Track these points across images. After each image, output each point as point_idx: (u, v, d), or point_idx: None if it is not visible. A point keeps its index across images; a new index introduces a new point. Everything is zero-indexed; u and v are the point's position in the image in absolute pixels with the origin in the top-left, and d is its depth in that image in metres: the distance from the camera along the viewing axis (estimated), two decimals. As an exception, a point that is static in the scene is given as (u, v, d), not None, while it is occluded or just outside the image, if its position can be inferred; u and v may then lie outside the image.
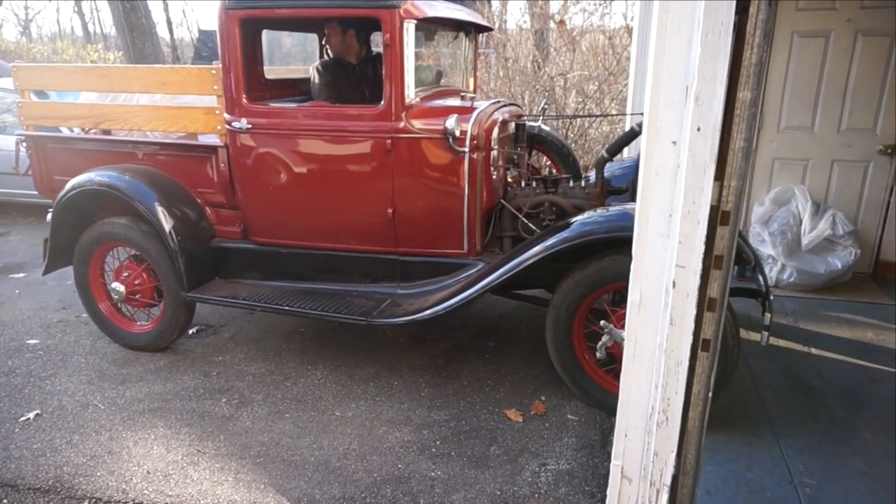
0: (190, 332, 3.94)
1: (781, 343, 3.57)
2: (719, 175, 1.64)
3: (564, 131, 6.90)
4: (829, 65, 4.23)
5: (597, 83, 7.30)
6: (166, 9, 19.93)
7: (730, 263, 1.71)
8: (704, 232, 1.65)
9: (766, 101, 4.39)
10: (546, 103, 5.76)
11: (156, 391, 3.26)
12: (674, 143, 1.66)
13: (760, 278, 2.88)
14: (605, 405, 2.96)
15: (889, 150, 4.25)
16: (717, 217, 1.67)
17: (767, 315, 2.76)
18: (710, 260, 1.70)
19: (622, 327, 2.80)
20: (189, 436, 2.88)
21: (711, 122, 1.59)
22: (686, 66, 1.60)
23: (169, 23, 19.21)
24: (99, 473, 2.63)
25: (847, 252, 4.18)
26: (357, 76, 3.67)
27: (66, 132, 3.96)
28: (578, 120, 6.91)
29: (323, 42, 3.93)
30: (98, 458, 2.73)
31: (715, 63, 1.55)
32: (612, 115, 6.67)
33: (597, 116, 6.78)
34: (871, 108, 4.24)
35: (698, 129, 1.60)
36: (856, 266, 4.24)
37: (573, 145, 6.75)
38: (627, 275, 2.73)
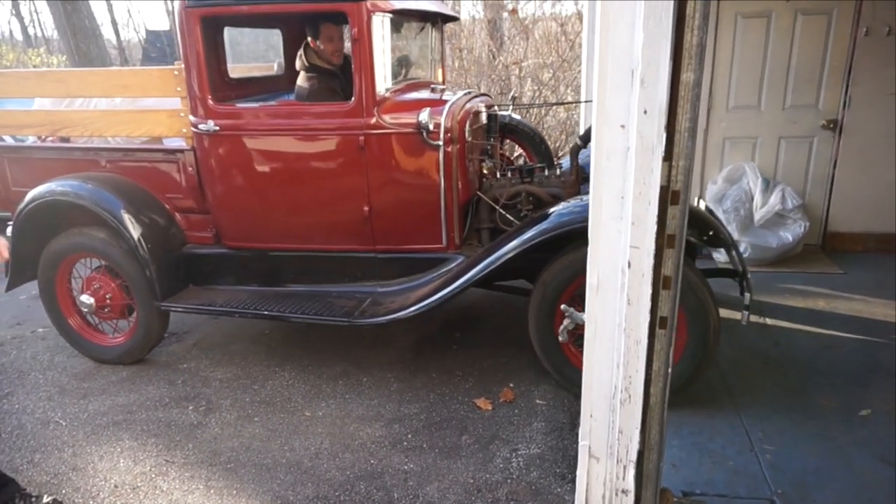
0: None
1: (738, 316, 3.66)
2: (668, 156, 1.68)
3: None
4: (772, 44, 4.36)
5: (551, 70, 7.37)
6: (110, 9, 19.26)
7: (682, 242, 1.75)
8: (656, 212, 1.69)
9: (715, 82, 4.51)
10: (515, 93, 5.76)
11: (119, 403, 3.18)
12: (622, 126, 1.69)
13: (736, 258, 2.91)
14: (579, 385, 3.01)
15: (831, 125, 4.41)
16: (668, 197, 1.71)
17: (747, 295, 2.81)
18: (663, 240, 1.74)
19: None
20: (156, 446, 2.83)
21: (657, 104, 1.62)
22: (630, 51, 1.63)
23: (114, 23, 18.66)
24: (64, 491, 2.56)
25: (797, 225, 4.33)
26: (344, 79, 3.49)
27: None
28: (535, 109, 6.96)
29: (310, 42, 3.53)
30: (62, 475, 2.66)
31: (658, 47, 1.58)
32: (580, 102, 6.71)
33: (566, 104, 6.81)
34: (812, 85, 4.39)
35: (645, 112, 1.63)
36: (806, 238, 4.40)
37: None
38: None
